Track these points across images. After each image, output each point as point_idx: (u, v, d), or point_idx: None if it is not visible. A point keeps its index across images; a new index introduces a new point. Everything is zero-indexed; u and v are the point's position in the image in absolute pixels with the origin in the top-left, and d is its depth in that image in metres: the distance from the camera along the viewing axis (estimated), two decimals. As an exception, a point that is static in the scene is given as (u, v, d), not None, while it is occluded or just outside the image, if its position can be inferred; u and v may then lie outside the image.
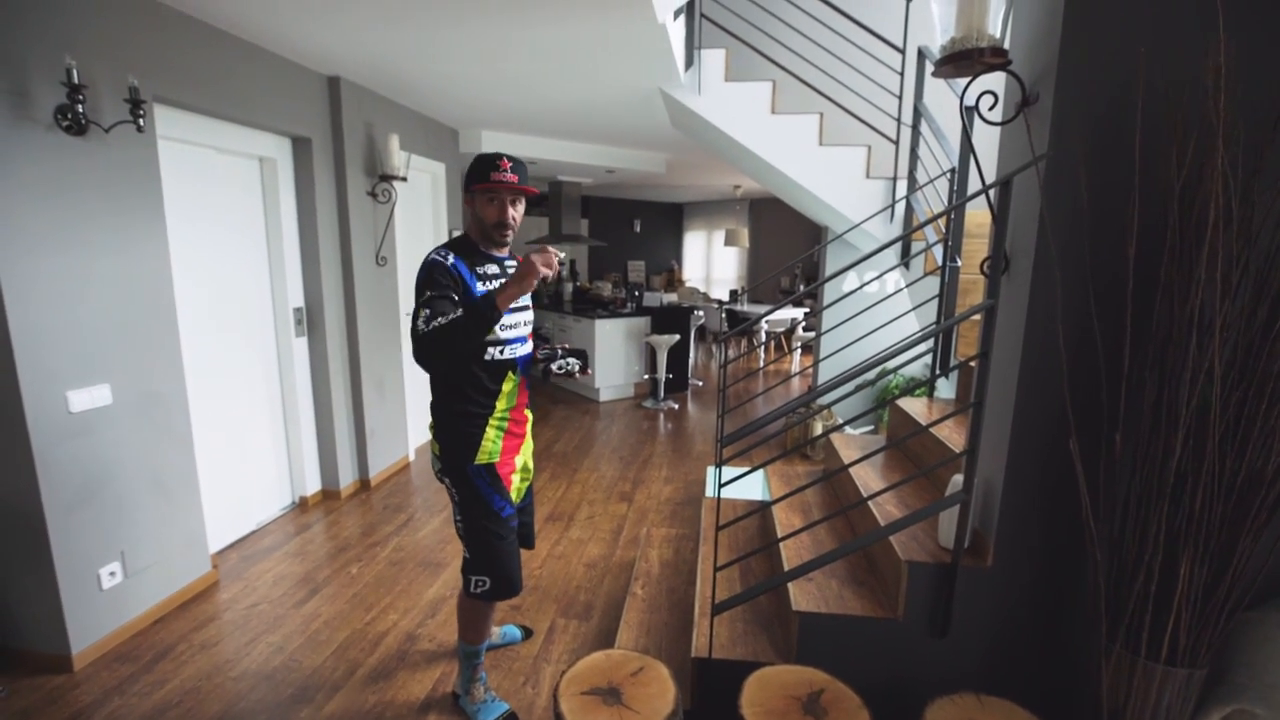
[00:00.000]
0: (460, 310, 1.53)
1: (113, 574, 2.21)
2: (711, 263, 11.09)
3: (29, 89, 1.88)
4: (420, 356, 1.54)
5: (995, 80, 1.48)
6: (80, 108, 1.96)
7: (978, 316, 1.71)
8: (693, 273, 11.41)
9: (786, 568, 1.88)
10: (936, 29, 1.43)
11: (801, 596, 1.69)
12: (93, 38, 2.06)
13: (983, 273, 1.49)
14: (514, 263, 1.79)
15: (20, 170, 1.87)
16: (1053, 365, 1.38)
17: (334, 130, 3.31)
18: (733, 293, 10.05)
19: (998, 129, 1.54)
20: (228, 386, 2.93)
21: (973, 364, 2.07)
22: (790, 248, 9.82)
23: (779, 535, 2.11)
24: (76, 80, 1.91)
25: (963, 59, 1.35)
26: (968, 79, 1.42)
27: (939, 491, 1.98)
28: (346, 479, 3.58)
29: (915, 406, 2.45)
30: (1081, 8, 1.30)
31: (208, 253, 2.77)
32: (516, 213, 1.69)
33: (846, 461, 2.40)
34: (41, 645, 2.09)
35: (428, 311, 1.53)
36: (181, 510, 2.49)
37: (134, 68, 2.17)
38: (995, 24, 1.38)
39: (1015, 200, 1.47)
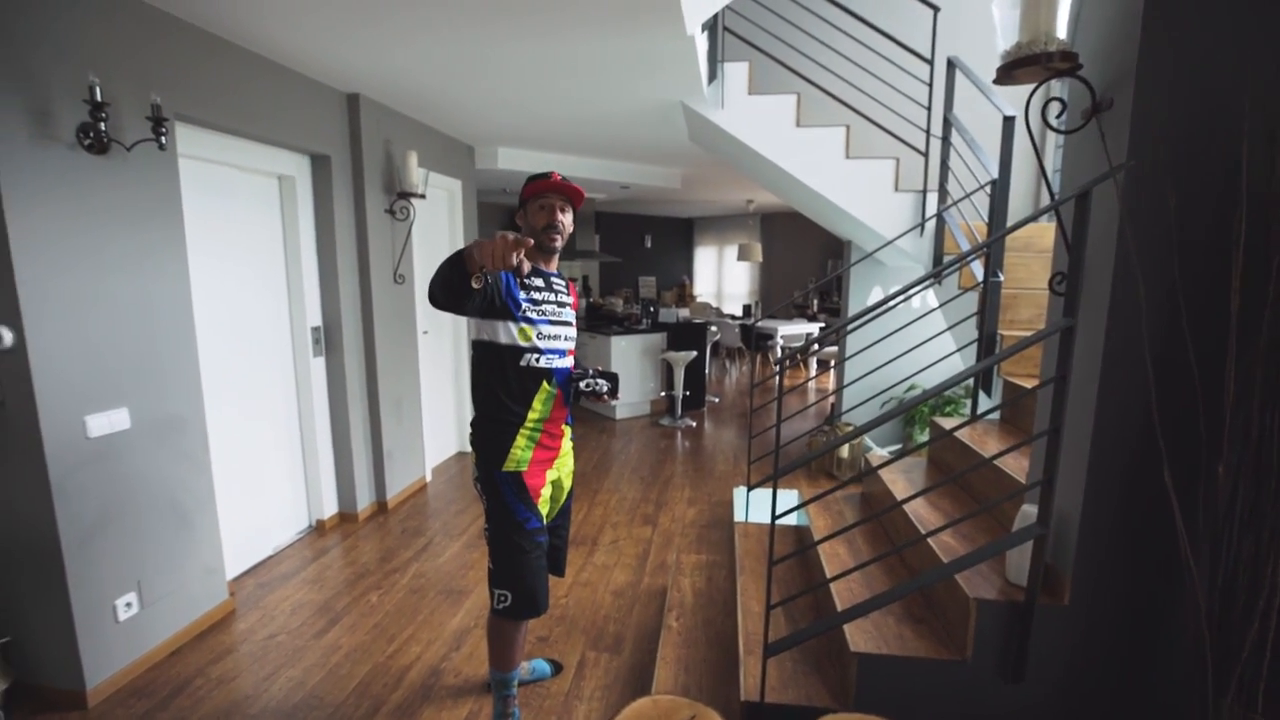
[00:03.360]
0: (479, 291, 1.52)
1: (129, 605, 2.13)
2: (723, 277, 11.02)
3: (51, 108, 1.84)
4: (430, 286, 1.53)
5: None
6: (103, 126, 1.91)
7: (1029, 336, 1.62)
8: (704, 287, 11.34)
9: (836, 602, 1.77)
10: (998, 34, 1.36)
11: (858, 635, 1.58)
12: (116, 55, 2.02)
13: (1053, 290, 1.40)
14: (561, 282, 1.83)
15: (41, 190, 1.82)
16: (1136, 389, 1.28)
17: (353, 147, 3.27)
18: (746, 308, 9.97)
19: (1031, 140, 1.46)
20: (245, 407, 2.86)
21: (1030, 386, 1.97)
22: (804, 262, 9.74)
23: (824, 566, 2.01)
24: (99, 98, 1.87)
25: (1030, 64, 1.28)
26: (1031, 86, 1.35)
27: (997, 520, 1.87)
28: (364, 501, 3.49)
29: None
30: (1164, 7, 1.22)
31: (226, 272, 2.72)
32: (565, 219, 1.76)
33: (887, 483, 2.30)
34: (55, 680, 2.00)
35: None
36: (199, 536, 2.41)
37: (156, 85, 2.12)
38: (1063, 27, 1.31)
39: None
